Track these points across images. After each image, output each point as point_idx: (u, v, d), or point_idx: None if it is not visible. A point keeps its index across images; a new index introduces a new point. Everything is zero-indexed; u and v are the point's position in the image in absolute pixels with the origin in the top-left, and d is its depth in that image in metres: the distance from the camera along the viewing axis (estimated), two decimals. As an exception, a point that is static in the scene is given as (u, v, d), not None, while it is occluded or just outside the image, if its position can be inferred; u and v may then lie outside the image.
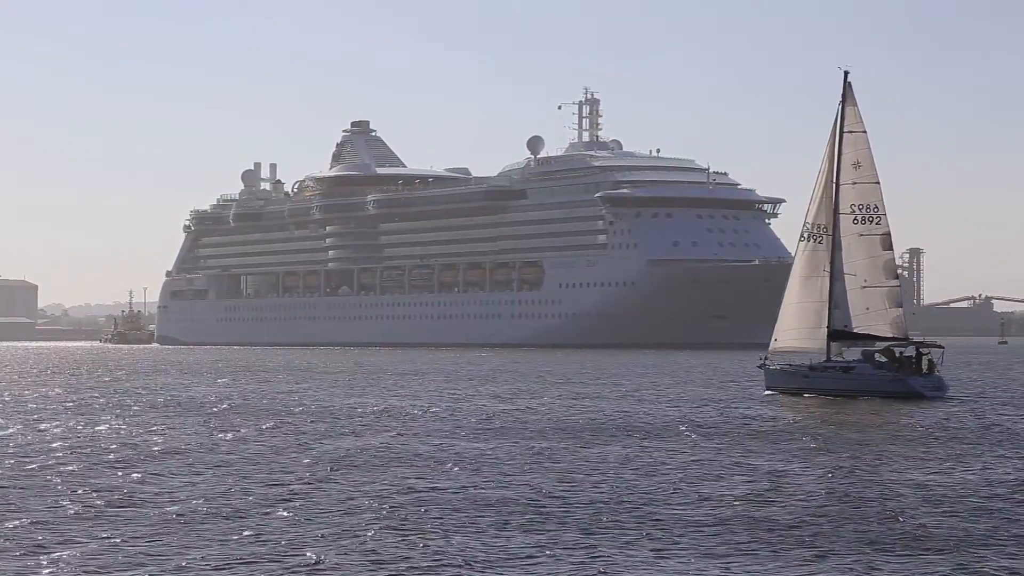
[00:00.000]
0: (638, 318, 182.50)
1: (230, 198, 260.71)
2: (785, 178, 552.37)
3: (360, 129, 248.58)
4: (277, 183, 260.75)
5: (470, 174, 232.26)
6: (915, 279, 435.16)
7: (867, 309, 64.10)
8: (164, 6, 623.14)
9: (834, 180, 64.85)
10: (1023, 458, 39.18)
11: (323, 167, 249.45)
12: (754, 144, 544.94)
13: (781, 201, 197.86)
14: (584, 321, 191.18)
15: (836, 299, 64.69)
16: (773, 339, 67.02)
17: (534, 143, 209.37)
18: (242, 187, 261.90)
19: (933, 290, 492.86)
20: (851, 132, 64.89)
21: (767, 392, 66.93)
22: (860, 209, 64.18)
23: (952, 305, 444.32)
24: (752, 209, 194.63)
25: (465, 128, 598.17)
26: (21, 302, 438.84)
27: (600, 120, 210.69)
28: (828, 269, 64.68)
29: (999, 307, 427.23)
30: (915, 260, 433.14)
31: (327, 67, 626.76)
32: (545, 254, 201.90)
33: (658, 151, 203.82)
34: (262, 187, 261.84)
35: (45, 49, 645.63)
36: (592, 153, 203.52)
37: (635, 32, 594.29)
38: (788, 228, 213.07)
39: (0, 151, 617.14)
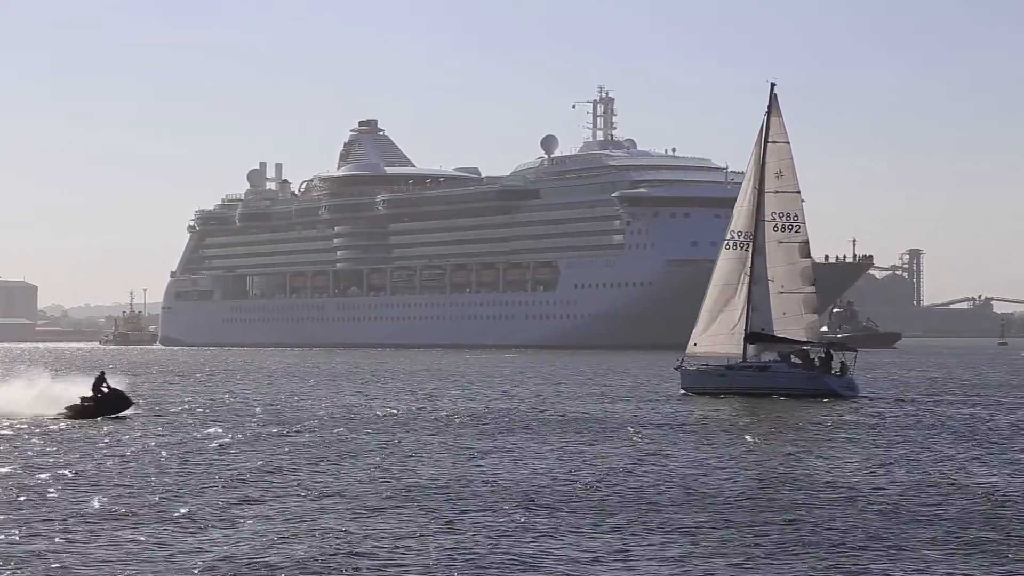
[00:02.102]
0: (656, 319, 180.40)
1: (235, 198, 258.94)
2: (800, 178, 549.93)
3: (368, 128, 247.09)
4: (283, 183, 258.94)
5: (480, 174, 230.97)
6: (915, 280, 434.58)
7: (784, 314, 65.92)
8: (167, 4, 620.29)
9: (757, 188, 66.52)
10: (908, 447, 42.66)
11: (329, 167, 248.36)
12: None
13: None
14: (601, 322, 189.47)
15: (756, 303, 66.28)
16: (692, 343, 68.33)
17: (548, 142, 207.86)
18: (247, 187, 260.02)
19: (933, 291, 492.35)
20: (775, 142, 66.76)
21: (682, 391, 68.23)
22: (780, 217, 66.03)
23: (952, 306, 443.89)
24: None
25: (473, 128, 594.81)
26: (21, 303, 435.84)
27: (615, 119, 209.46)
28: (748, 274, 66.26)
29: (999, 308, 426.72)
30: (915, 261, 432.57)
31: (332, 66, 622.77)
32: (560, 254, 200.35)
33: (674, 150, 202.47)
34: (268, 187, 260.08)
35: (46, 48, 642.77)
36: (607, 152, 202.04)
37: (648, 30, 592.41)
38: (813, 227, 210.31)
39: (0, 151, 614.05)
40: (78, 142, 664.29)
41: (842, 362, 66.02)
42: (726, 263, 67.48)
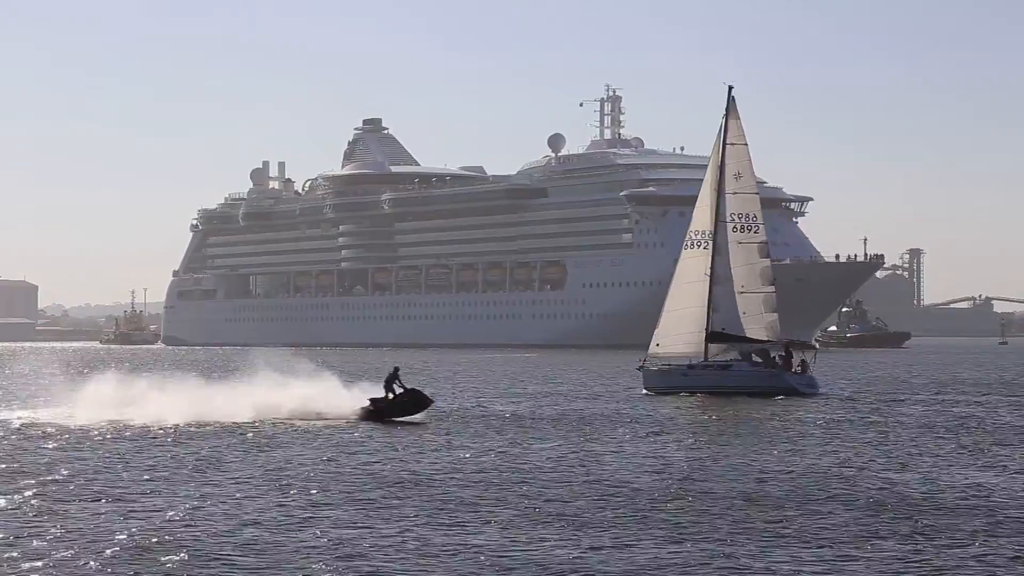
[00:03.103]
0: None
1: (239, 197, 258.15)
2: (811, 176, 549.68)
3: (372, 127, 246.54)
4: (287, 181, 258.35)
5: (485, 172, 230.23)
6: (915, 279, 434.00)
7: (744, 313, 67.00)
8: (169, 3, 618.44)
9: (716, 189, 67.62)
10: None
11: (333, 166, 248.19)
12: (778, 142, 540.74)
13: (809, 199, 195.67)
14: (610, 322, 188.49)
15: (716, 303, 67.24)
16: (654, 344, 68.83)
17: (555, 141, 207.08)
18: (251, 185, 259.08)
19: (933, 291, 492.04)
20: (733, 144, 67.95)
21: (644, 392, 68.53)
22: (739, 218, 67.36)
23: (952, 306, 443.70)
24: (779, 207, 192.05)
25: (478, 126, 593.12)
26: (21, 302, 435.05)
27: (622, 118, 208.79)
28: (708, 274, 67.21)
29: (999, 308, 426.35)
30: (915, 260, 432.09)
31: (336, 64, 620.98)
32: (567, 253, 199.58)
33: (682, 149, 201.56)
34: (271, 185, 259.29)
35: (47, 46, 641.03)
36: (615, 151, 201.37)
37: (655, 28, 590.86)
38: (816, 227, 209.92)
39: (0, 151, 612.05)
40: (78, 142, 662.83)
41: (803, 360, 67.38)
42: (686, 263, 68.45)
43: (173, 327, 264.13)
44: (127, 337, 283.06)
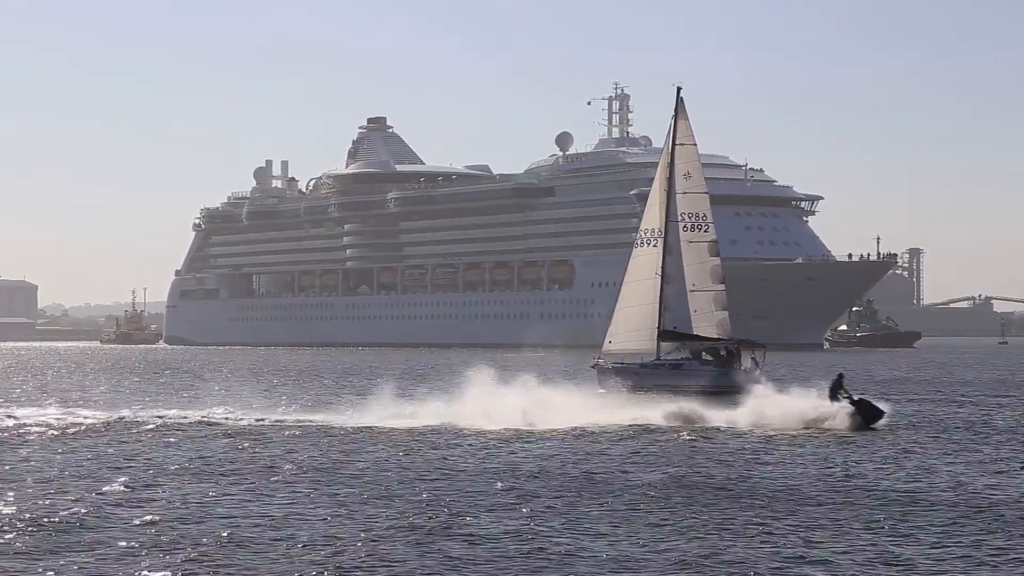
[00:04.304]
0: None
1: (242, 196, 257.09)
2: (820, 175, 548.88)
3: (377, 126, 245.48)
4: (291, 180, 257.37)
5: (491, 171, 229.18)
6: (915, 279, 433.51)
7: (695, 311, 67.47)
8: (171, 1, 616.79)
9: (666, 189, 68.23)
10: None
11: (336, 165, 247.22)
12: (786, 141, 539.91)
13: (819, 198, 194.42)
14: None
15: (667, 302, 67.94)
16: (607, 341, 69.33)
17: (563, 139, 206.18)
18: (254, 184, 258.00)
19: (933, 290, 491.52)
20: (682, 145, 68.42)
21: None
22: (690, 217, 67.78)
23: (952, 305, 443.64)
24: (789, 206, 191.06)
25: (483, 125, 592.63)
26: (21, 302, 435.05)
27: (630, 116, 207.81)
28: (660, 273, 67.79)
29: (999, 307, 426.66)
30: (915, 260, 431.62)
31: (340, 62, 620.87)
32: (576, 252, 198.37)
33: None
34: (275, 184, 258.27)
35: (48, 46, 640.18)
36: (624, 149, 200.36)
37: (664, 26, 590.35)
38: (826, 226, 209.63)
39: (1, 150, 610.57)
40: (78, 142, 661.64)
41: (752, 358, 67.64)
42: (638, 261, 68.96)
43: (175, 327, 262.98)
44: (128, 337, 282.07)
